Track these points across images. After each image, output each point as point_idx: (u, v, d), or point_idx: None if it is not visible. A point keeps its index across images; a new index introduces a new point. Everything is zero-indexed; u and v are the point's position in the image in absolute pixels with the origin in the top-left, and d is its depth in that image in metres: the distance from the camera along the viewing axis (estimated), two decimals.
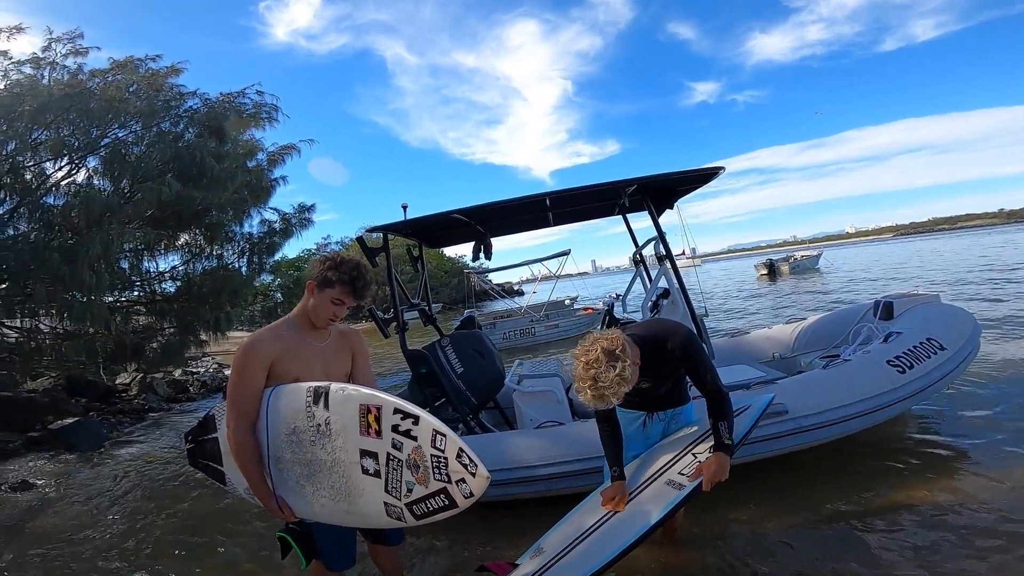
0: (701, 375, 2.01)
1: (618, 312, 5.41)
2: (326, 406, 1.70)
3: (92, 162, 7.14)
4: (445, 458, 1.54)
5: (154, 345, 7.75)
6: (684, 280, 3.66)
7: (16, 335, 6.98)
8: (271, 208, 8.81)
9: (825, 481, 3.05)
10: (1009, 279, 12.22)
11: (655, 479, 2.16)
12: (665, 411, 2.31)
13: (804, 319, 4.84)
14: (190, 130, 7.49)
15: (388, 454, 1.62)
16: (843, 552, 2.41)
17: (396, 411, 1.61)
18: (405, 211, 3.58)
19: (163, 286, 8.19)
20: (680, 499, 1.99)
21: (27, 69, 6.90)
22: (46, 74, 7.00)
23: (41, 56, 7.04)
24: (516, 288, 38.25)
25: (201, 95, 7.75)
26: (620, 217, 4.58)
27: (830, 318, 4.58)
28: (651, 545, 2.44)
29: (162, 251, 7.94)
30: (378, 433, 1.63)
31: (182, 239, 8.04)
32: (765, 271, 28.57)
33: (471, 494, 1.53)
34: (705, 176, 3.49)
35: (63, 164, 7.00)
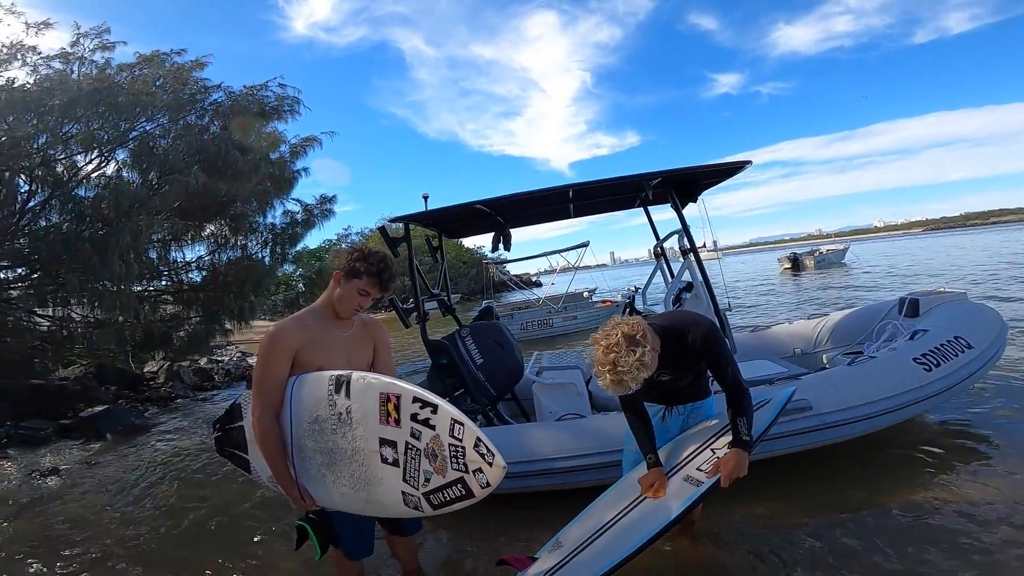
0: (722, 369, 1.99)
1: (638, 305, 5.38)
2: (347, 394, 1.72)
3: (121, 155, 7.34)
4: (463, 447, 1.54)
5: (181, 334, 7.95)
6: (707, 274, 3.63)
7: (48, 323, 7.21)
8: (293, 199, 8.94)
9: (847, 478, 3.01)
10: None
11: (673, 474, 2.15)
12: (685, 405, 2.29)
13: (827, 315, 4.80)
14: (215, 123, 7.62)
15: (407, 443, 1.63)
16: (863, 549, 2.38)
17: (415, 400, 1.61)
18: (426, 201, 3.60)
19: (190, 276, 8.38)
20: (698, 496, 1.98)
21: (56, 64, 7.08)
22: (75, 69, 7.17)
23: (69, 51, 7.21)
24: (534, 279, 38.22)
25: (225, 88, 7.88)
26: (639, 209, 4.56)
27: (853, 315, 4.53)
28: (668, 539, 2.43)
29: (188, 241, 8.12)
30: (397, 422, 1.64)
31: (208, 230, 8.21)
32: (788, 265, 28.05)
33: (488, 484, 1.53)
34: (731, 170, 3.47)
35: (93, 157, 7.19)
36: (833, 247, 31.22)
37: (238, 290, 7.95)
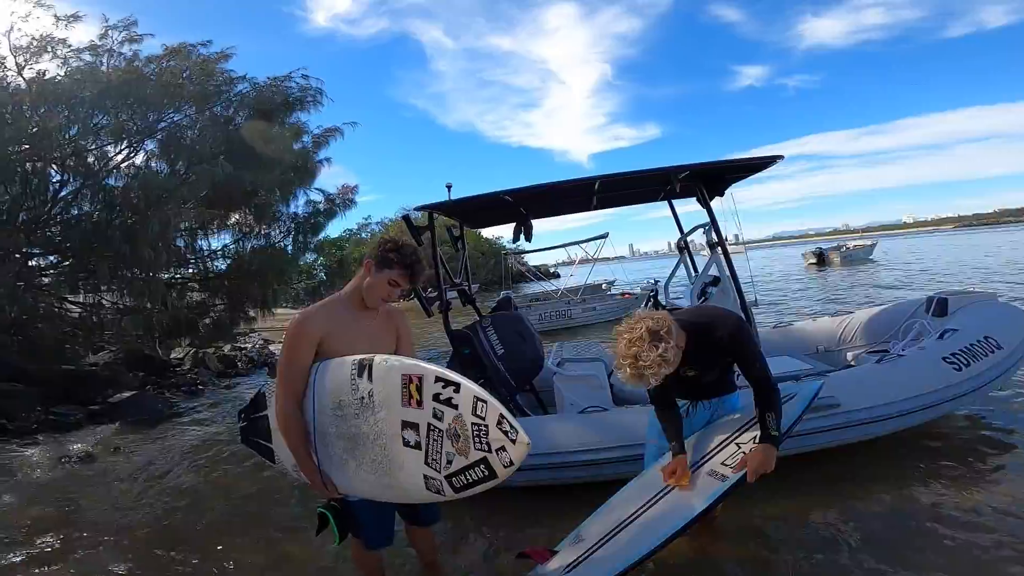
0: (751, 364, 1.96)
1: (660, 299, 5.34)
2: (370, 378, 1.72)
3: (150, 145, 7.48)
4: (486, 426, 1.52)
5: (206, 321, 8.12)
6: (735, 268, 3.59)
7: (79, 310, 7.41)
8: (316, 189, 9.01)
9: (870, 476, 2.98)
10: None
11: (697, 468, 2.12)
12: (710, 400, 2.26)
13: (851, 313, 4.78)
14: (240, 114, 7.71)
15: (429, 424, 1.61)
16: (886, 549, 2.34)
17: (438, 379, 1.60)
18: (449, 191, 3.61)
19: (215, 264, 8.52)
20: (723, 490, 1.95)
21: (86, 56, 7.21)
22: (104, 61, 7.29)
23: (99, 44, 7.33)
24: (551, 270, 38.11)
25: (250, 79, 7.97)
26: (658, 202, 4.54)
27: (879, 313, 4.51)
28: (688, 534, 2.42)
29: (214, 230, 8.25)
30: (419, 403, 1.63)
31: (233, 218, 8.32)
32: (814, 260, 27.57)
33: (511, 462, 1.51)
34: (762, 164, 3.42)
35: (123, 147, 7.33)
36: (861, 243, 30.55)
37: (261, 278, 8.07)
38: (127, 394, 6.57)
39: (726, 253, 3.54)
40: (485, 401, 1.53)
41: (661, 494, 2.11)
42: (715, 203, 3.49)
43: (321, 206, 8.95)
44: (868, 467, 3.06)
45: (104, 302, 7.43)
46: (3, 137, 6.11)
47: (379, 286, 1.86)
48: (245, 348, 10.82)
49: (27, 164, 6.40)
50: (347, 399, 1.77)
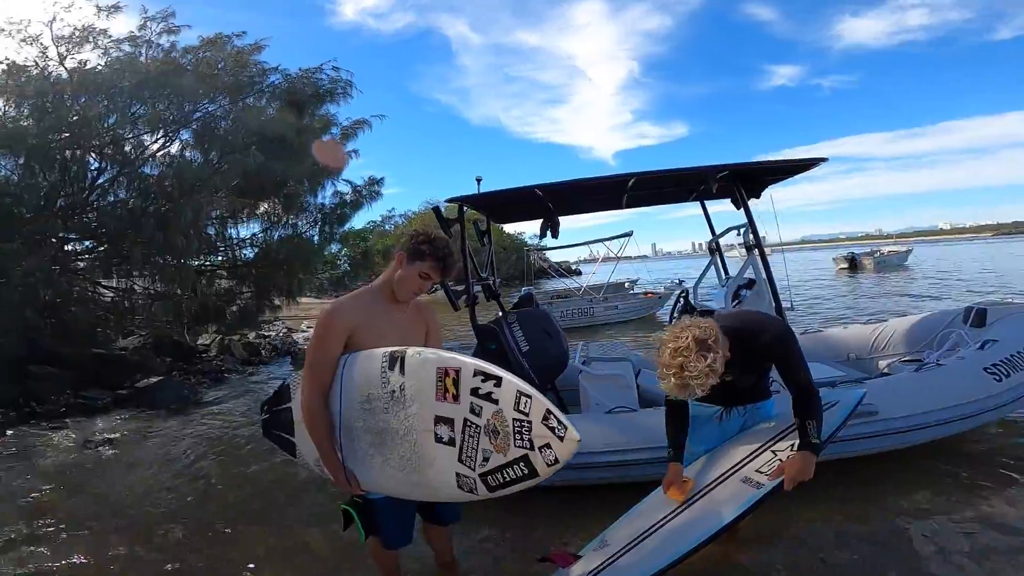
0: (794, 371, 1.89)
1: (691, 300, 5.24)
2: (402, 371, 1.67)
3: (185, 135, 7.62)
4: (529, 422, 1.46)
5: (233, 308, 8.26)
6: (771, 271, 3.52)
7: (112, 294, 7.60)
8: (344, 180, 9.08)
9: (901, 485, 2.93)
10: None
11: (730, 476, 2.06)
12: (744, 406, 2.20)
13: (884, 321, 4.77)
14: (272, 104, 7.81)
15: (465, 419, 1.56)
16: (917, 562, 2.28)
17: (477, 373, 1.55)
18: (479, 184, 3.58)
19: (243, 252, 8.65)
20: (758, 498, 1.88)
21: (126, 47, 7.38)
22: (143, 52, 7.46)
23: (138, 35, 7.50)
24: (573, 267, 37.97)
25: (282, 71, 8.07)
26: (683, 203, 4.48)
27: (915, 322, 4.46)
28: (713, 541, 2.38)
29: (244, 219, 8.39)
30: (455, 397, 1.57)
31: (262, 208, 8.45)
32: (845, 264, 26.89)
33: (556, 460, 1.45)
34: (804, 166, 3.35)
35: (158, 136, 7.49)
36: (896, 248, 29.74)
37: (288, 267, 8.18)
38: (154, 379, 6.65)
39: (763, 255, 3.46)
40: (530, 396, 1.47)
41: (691, 499, 2.06)
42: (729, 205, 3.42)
43: (348, 197, 9.03)
44: (900, 476, 3.03)
45: (136, 287, 7.61)
46: (44, 125, 6.28)
47: (410, 279, 1.83)
48: (269, 336, 10.97)
49: (67, 152, 6.57)
50: (376, 392, 1.73)
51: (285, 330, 12.31)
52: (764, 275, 3.42)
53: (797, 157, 3.25)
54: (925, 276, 20.09)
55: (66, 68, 6.94)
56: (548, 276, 20.88)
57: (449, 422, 1.60)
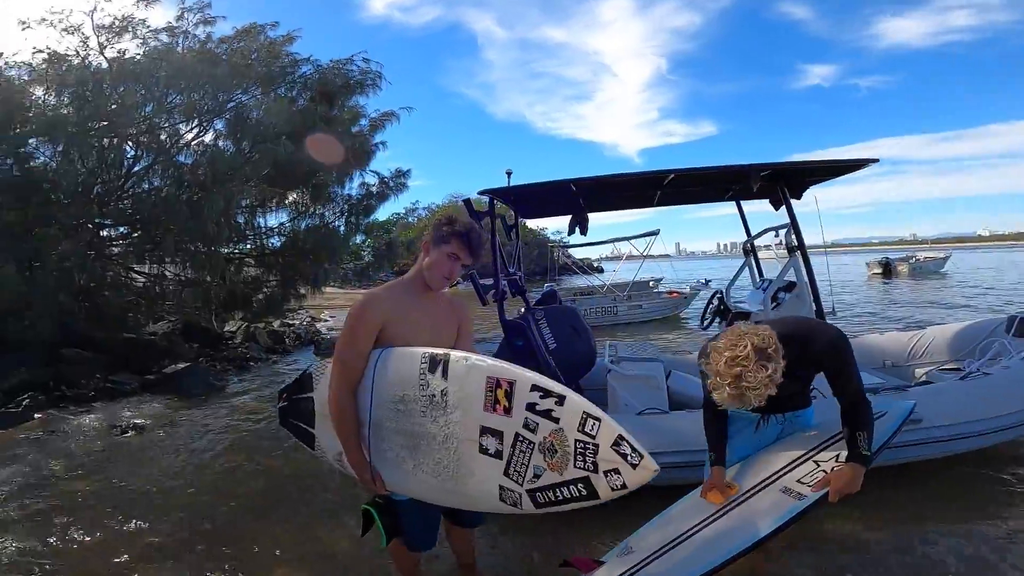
0: (846, 380, 1.81)
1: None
2: (444, 375, 1.61)
3: (218, 124, 7.74)
4: (596, 445, 1.40)
5: (260, 296, 8.38)
6: (813, 273, 3.42)
7: (144, 280, 7.77)
8: (371, 171, 9.12)
9: (939, 496, 2.87)
10: None
11: (768, 485, 1.98)
12: (784, 414, 2.11)
13: (922, 328, 4.72)
14: (303, 95, 7.87)
15: (517, 434, 1.49)
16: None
17: (534, 388, 1.48)
18: (509, 177, 3.55)
19: (271, 241, 8.77)
20: (800, 510, 1.80)
21: (163, 37, 7.52)
22: (180, 42, 7.59)
23: (175, 25, 7.63)
24: (595, 265, 37.70)
25: (313, 62, 8.13)
26: (716, 202, 4.44)
27: (954, 330, 4.39)
28: None
29: (272, 208, 8.50)
30: (507, 410, 1.50)
31: (290, 197, 8.55)
32: (879, 270, 26.14)
33: (623, 487, 1.39)
34: (852, 166, 3.24)
35: (193, 126, 7.61)
36: (932, 255, 28.84)
37: (314, 257, 8.26)
38: (181, 365, 6.72)
39: (806, 257, 3.35)
40: (598, 419, 1.41)
41: (725, 508, 1.97)
42: (759, 206, 3.32)
43: (375, 189, 9.07)
44: (937, 486, 2.96)
45: (167, 273, 7.77)
46: (84, 114, 6.42)
47: (440, 262, 1.78)
48: (293, 325, 11.12)
49: (104, 140, 6.71)
50: (413, 394, 1.66)
51: (308, 319, 12.46)
52: (806, 278, 3.31)
53: (842, 157, 3.13)
54: (962, 284, 19.41)
55: (106, 57, 7.08)
56: (571, 272, 20.77)
57: (498, 434, 1.53)
